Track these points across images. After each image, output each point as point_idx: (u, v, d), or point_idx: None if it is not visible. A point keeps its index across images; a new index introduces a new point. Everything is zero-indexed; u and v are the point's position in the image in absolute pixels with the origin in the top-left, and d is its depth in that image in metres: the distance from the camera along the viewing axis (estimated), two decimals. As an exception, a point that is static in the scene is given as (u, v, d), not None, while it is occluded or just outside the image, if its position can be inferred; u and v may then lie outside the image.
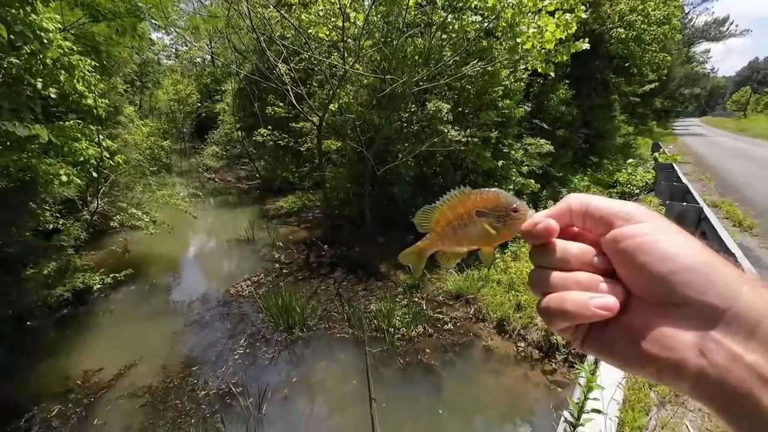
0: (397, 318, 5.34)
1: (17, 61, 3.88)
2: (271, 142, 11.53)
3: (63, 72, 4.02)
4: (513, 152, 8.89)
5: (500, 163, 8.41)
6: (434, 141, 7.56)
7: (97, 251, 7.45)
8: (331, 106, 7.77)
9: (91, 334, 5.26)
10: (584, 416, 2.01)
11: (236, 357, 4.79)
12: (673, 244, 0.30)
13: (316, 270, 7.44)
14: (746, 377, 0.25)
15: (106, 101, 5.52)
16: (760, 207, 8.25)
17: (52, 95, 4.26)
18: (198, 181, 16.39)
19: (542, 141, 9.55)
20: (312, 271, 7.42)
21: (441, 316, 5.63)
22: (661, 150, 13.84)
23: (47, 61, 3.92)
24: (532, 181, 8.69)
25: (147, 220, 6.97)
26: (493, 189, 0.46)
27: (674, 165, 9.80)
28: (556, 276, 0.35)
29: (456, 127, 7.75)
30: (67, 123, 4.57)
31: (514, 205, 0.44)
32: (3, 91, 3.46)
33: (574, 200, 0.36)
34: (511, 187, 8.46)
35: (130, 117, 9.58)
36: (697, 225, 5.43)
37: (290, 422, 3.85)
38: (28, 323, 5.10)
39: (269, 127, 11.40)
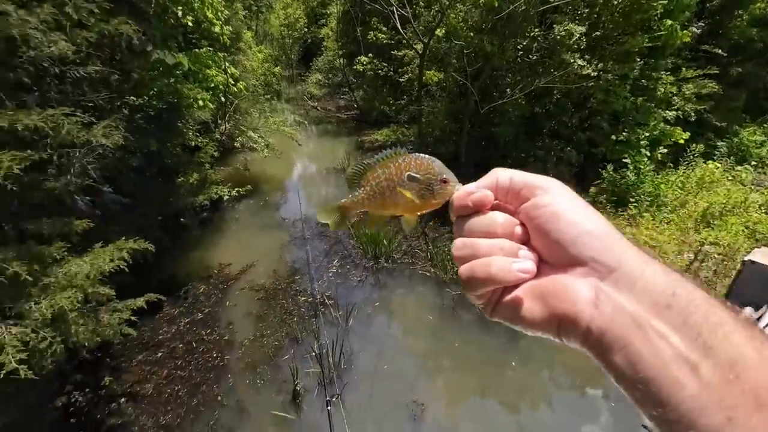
0: (481, 265, 5.26)
1: (162, -10, 4.32)
2: (371, 72, 11.29)
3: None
4: (660, 89, 7.06)
5: (638, 99, 6.81)
6: (555, 75, 6.41)
7: (225, 167, 8.80)
8: (437, 31, 7.05)
9: (223, 235, 6.49)
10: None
11: (330, 274, 5.44)
12: (581, 213, 0.35)
13: (404, 206, 7.60)
14: (626, 324, 0.30)
15: (230, 28, 5.93)
16: None
17: (189, 23, 4.72)
18: (303, 108, 17.41)
19: (709, 75, 7.32)
20: (400, 206, 7.61)
21: (528, 272, 5.37)
22: None
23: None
24: (679, 129, 6.93)
25: (262, 143, 7.81)
26: (427, 156, 0.46)
27: None
28: (484, 243, 0.37)
29: (587, 56, 6.37)
30: (201, 50, 5.11)
31: (445, 176, 0.44)
32: (155, 22, 3.96)
33: (501, 174, 0.39)
34: (647, 134, 6.91)
35: (248, 43, 10.24)
36: None
37: (370, 337, 4.35)
38: (182, 220, 6.52)
39: (370, 54, 11.07)
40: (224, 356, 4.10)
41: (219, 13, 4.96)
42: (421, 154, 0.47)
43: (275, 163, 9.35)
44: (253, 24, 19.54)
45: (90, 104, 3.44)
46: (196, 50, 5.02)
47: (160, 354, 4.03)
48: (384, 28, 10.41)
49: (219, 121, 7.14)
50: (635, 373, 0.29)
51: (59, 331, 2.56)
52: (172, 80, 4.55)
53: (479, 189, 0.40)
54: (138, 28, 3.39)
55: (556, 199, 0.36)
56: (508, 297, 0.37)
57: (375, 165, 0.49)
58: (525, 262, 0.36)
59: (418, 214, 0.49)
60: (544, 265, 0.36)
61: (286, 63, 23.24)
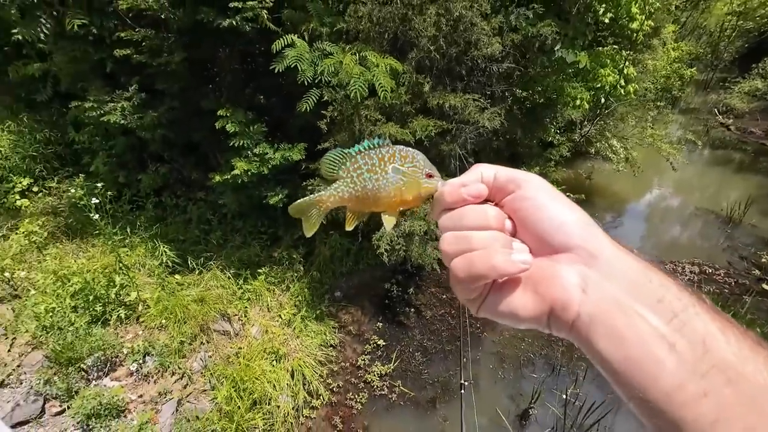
0: None
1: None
2: None
3: (628, -5, 4.11)
4: None
5: None
6: None
7: (567, 169, 8.54)
8: None
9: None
10: None
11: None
12: (563, 205, 0.37)
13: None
14: (611, 307, 0.32)
15: (650, 23, 5.20)
16: None
17: (606, 21, 4.57)
18: (703, 124, 13.20)
19: None
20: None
21: None
22: None
23: (620, -15, 4.12)
24: None
25: (622, 155, 6.82)
26: (411, 148, 0.44)
27: None
28: (480, 235, 0.37)
29: None
30: (603, 49, 4.89)
31: (429, 170, 0.43)
32: (575, 21, 4.15)
33: (485, 169, 0.40)
34: None
35: (665, 39, 8.63)
36: None
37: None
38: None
39: None
40: (483, 330, 4.45)
41: (648, 7, 4.44)
42: (405, 147, 0.44)
43: (627, 180, 7.97)
44: (683, 16, 16.11)
45: (488, 93, 4.31)
46: (599, 48, 4.85)
47: (444, 296, 4.98)
48: None
49: (585, 123, 6.84)
50: (620, 353, 0.31)
51: (406, 244, 3.73)
52: (561, 78, 4.75)
53: (472, 182, 0.40)
54: (556, 29, 3.70)
55: (539, 192, 0.38)
56: (500, 289, 0.37)
57: (356, 155, 0.45)
58: (524, 253, 0.37)
59: (400, 210, 0.46)
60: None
61: (709, 63, 17.90)
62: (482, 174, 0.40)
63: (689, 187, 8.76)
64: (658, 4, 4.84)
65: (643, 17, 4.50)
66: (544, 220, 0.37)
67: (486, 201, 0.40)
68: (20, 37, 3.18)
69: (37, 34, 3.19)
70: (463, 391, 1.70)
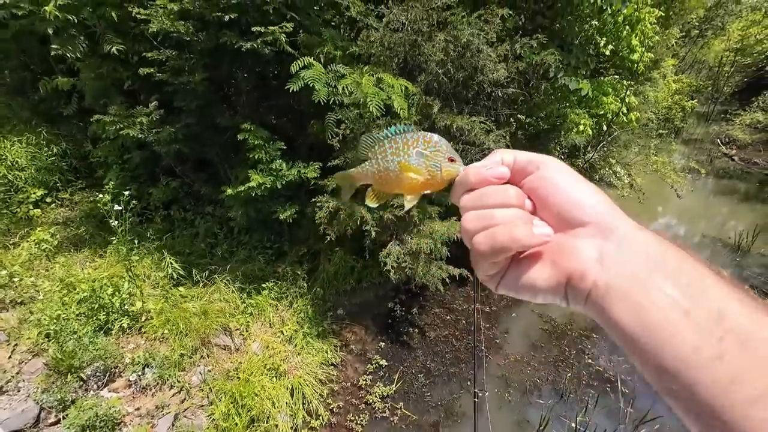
0: None
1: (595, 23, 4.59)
2: None
3: (627, 28, 4.30)
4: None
5: None
6: None
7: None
8: None
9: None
10: None
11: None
12: (580, 183, 0.39)
13: None
14: (628, 278, 0.33)
15: (651, 55, 5.41)
16: None
17: (607, 53, 4.76)
18: (706, 154, 13.35)
19: None
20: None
21: None
22: None
23: (619, 19, 4.32)
24: None
25: (626, 181, 6.88)
26: (436, 135, 0.47)
27: None
28: (501, 212, 0.38)
29: None
30: (605, 78, 5.07)
31: (451, 155, 0.46)
32: (576, 51, 4.33)
33: (505, 154, 0.42)
34: None
35: (664, 72, 8.90)
36: None
37: None
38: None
39: None
40: (489, 353, 4.35)
41: (647, 40, 4.63)
42: (429, 133, 0.47)
43: (632, 206, 7.98)
44: (683, 51, 16.62)
45: (494, 116, 4.43)
46: (601, 78, 5.03)
47: (449, 317, 4.91)
48: None
49: (589, 149, 6.97)
50: (636, 320, 0.32)
51: (412, 262, 3.73)
52: (565, 104, 4.89)
53: (493, 164, 0.41)
54: (559, 58, 3.86)
55: (557, 173, 0.39)
56: (519, 263, 0.39)
57: (383, 139, 0.49)
58: (544, 226, 0.38)
59: (422, 192, 0.48)
60: None
61: (710, 96, 18.29)
62: (503, 158, 0.42)
63: (695, 215, 8.74)
64: (657, 38, 5.04)
65: (643, 49, 4.69)
66: (561, 196, 0.38)
67: (506, 183, 0.41)
68: (59, 53, 3.37)
69: (73, 51, 3.38)
70: (476, 400, 1.66)
